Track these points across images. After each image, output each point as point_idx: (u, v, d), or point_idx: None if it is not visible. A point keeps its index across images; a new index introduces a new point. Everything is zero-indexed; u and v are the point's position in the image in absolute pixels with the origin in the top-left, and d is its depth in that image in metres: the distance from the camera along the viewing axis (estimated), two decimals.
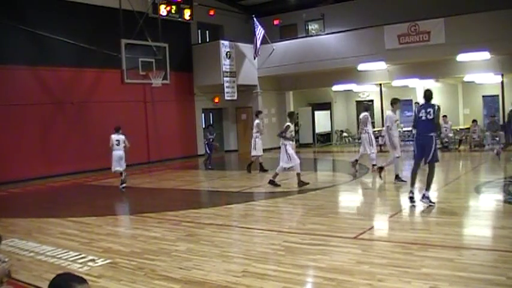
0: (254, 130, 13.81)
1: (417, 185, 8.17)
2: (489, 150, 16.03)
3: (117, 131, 11.80)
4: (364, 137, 11.95)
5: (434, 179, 7.98)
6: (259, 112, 14.55)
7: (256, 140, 13.61)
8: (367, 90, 22.71)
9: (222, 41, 19.45)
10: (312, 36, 21.09)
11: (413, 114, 8.31)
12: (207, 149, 15.82)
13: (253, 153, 13.68)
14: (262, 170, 13.58)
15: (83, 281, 1.97)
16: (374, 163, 11.76)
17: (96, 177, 14.55)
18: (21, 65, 14.40)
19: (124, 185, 11.84)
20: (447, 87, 20.92)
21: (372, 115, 22.74)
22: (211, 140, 15.73)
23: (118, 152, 11.64)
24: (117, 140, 11.64)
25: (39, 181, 14.07)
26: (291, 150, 10.72)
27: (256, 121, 13.85)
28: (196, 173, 16.43)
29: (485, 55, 15.93)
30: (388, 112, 10.76)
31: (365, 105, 13.75)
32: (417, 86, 20.70)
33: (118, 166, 11.67)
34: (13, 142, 14.12)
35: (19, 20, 14.20)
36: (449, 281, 4.36)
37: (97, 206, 10.10)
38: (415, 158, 8.05)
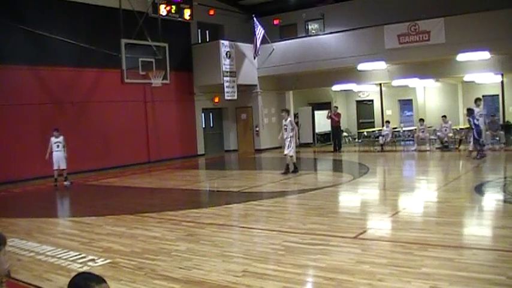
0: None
1: None
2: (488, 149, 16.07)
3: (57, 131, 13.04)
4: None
5: (434, 179, 7.98)
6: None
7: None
8: (367, 90, 22.73)
9: (222, 41, 19.42)
10: (311, 36, 21.06)
11: None
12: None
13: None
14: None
15: (101, 280, 2.01)
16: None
17: (96, 177, 14.55)
18: (21, 65, 14.38)
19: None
20: (447, 87, 20.93)
21: (372, 115, 22.91)
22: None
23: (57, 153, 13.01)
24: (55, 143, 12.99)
25: (39, 181, 14.07)
26: None
27: (289, 119, 13.04)
28: (196, 172, 16.42)
29: (485, 55, 15.90)
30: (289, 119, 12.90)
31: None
32: (417, 86, 20.72)
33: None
34: (13, 142, 14.10)
35: (19, 20, 14.18)
36: (449, 281, 4.36)
37: (97, 206, 10.08)
38: None
